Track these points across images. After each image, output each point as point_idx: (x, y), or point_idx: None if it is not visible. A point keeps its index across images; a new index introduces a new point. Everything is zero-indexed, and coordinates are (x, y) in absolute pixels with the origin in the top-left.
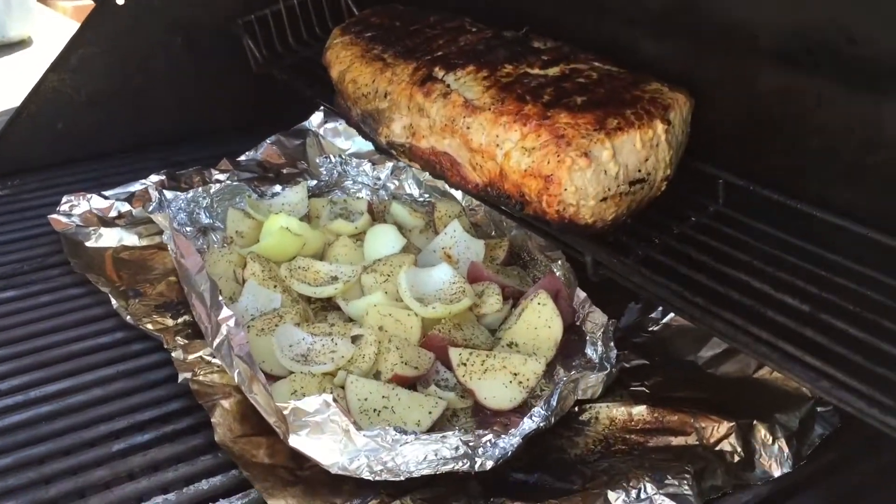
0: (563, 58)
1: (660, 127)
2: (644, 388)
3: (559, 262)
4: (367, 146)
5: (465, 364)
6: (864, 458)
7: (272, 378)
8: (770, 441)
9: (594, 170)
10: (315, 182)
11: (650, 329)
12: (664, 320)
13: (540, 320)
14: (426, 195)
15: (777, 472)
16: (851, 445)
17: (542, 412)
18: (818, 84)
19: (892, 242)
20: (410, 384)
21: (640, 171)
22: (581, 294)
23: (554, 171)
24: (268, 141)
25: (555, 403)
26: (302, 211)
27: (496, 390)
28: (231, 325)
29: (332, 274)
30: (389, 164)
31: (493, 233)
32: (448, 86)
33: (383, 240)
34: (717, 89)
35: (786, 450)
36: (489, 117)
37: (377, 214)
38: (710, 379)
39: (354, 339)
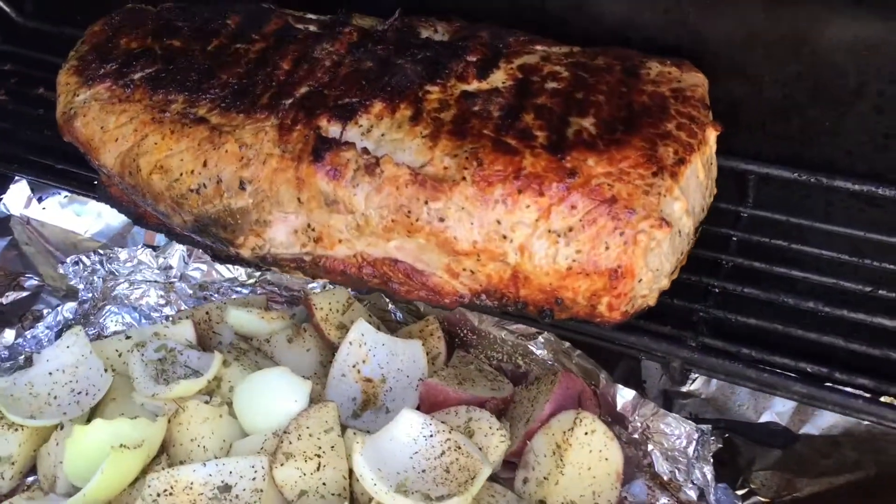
0: (493, 53)
1: (712, 136)
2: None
3: (544, 340)
4: (121, 219)
5: None
6: None
7: None
8: None
9: (672, 235)
10: (72, 305)
11: (686, 392)
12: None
13: (592, 456)
14: (268, 278)
15: None
16: None
17: None
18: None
19: None
20: None
21: (703, 209)
22: (626, 392)
23: (623, 260)
24: None
25: None
26: (97, 383)
27: None
28: None
29: (220, 480)
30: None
31: (396, 313)
32: (365, 150)
33: (273, 396)
34: (728, 55)
35: None
36: (470, 193)
37: (201, 335)
38: (828, 446)
39: None
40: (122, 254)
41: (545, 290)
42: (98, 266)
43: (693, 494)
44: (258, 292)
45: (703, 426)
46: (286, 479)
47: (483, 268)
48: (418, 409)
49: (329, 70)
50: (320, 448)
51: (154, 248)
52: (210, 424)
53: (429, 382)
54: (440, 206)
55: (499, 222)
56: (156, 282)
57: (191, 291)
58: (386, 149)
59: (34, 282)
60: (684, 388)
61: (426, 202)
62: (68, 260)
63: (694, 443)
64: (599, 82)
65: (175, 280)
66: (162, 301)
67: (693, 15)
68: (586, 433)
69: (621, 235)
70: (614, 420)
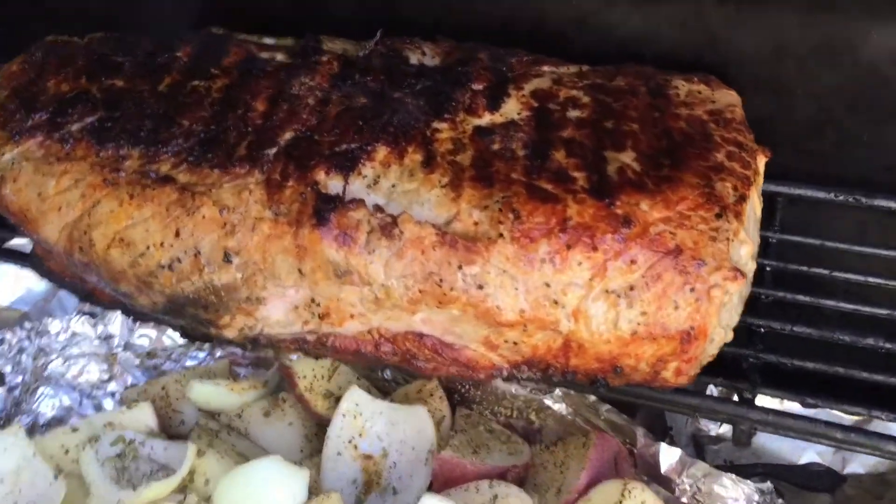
0: (499, 79)
1: (762, 163)
2: None
3: (562, 393)
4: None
5: None
6: None
7: None
8: None
9: (745, 286)
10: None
11: (717, 436)
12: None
13: None
14: (226, 345)
15: None
16: None
17: None
18: None
19: None
20: None
21: (758, 243)
22: (670, 451)
23: (696, 320)
24: None
25: None
26: (47, 493)
27: None
28: None
29: None
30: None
31: (384, 371)
32: (377, 207)
33: (265, 492)
34: (754, 69)
35: None
36: (511, 252)
37: (161, 417)
38: (878, 486)
39: None
40: (53, 325)
41: (603, 358)
42: (25, 342)
43: None
44: (218, 355)
45: (763, 485)
46: None
47: (529, 339)
48: (431, 487)
49: (315, 110)
50: None
51: (90, 314)
52: None
53: (443, 458)
54: (477, 270)
55: (548, 285)
56: (95, 354)
57: (138, 361)
58: (400, 203)
59: None
60: (713, 433)
61: (459, 267)
62: None
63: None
64: (627, 107)
65: (118, 350)
66: (105, 376)
67: (715, 27)
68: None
69: (692, 291)
70: (658, 483)
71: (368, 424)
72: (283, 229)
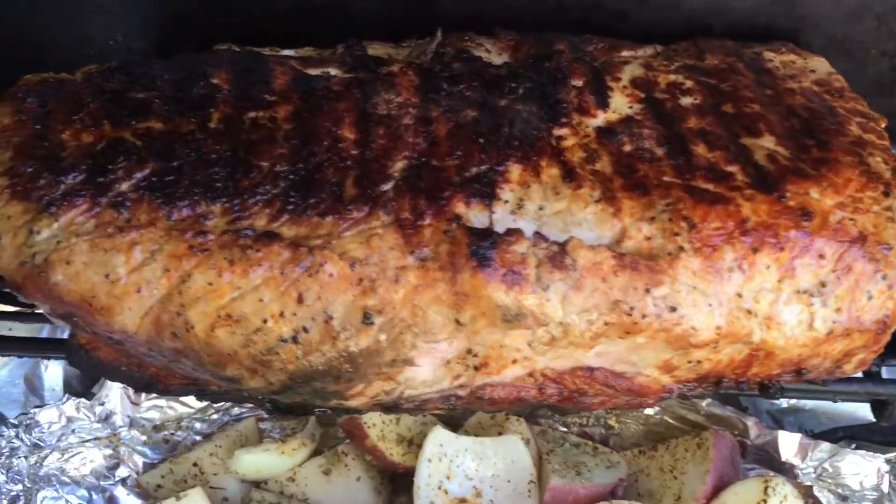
0: (592, 72)
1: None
2: None
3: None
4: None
5: None
6: None
7: None
8: None
9: None
10: None
11: (790, 407)
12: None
13: None
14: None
15: None
16: None
17: None
18: None
19: None
20: None
21: None
22: (790, 437)
23: (889, 307)
24: None
25: None
26: None
27: None
28: None
29: None
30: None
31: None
32: (539, 236)
33: None
34: (829, 30)
35: None
36: (697, 266)
37: None
38: None
39: None
40: (42, 414)
41: (790, 362)
42: (15, 441)
43: None
44: (235, 414)
45: (890, 455)
46: None
47: (716, 355)
48: None
49: (418, 130)
50: None
51: (83, 395)
52: None
53: (556, 486)
54: (666, 291)
55: (739, 295)
56: (96, 438)
57: (144, 438)
58: (555, 226)
59: None
60: (786, 404)
61: (647, 290)
62: None
63: (887, 475)
64: (737, 88)
65: (122, 429)
66: (112, 462)
67: None
68: (781, 502)
69: (884, 279)
70: (777, 471)
71: (455, 465)
72: (433, 276)
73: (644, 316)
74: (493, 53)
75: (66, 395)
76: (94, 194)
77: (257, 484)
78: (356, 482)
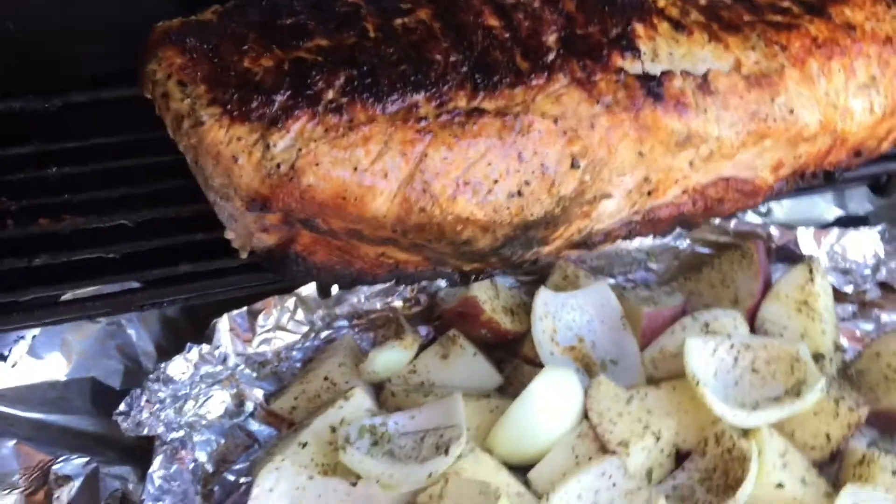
0: None
1: None
2: None
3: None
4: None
5: None
6: None
7: None
8: None
9: None
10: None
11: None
12: None
13: (830, 297)
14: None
15: None
16: None
17: None
18: None
19: None
20: None
21: None
22: (805, 229)
23: None
24: None
25: None
26: None
27: None
28: None
29: None
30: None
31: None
32: (684, 73)
33: (551, 403)
34: None
35: None
36: (796, 76)
37: None
38: None
39: None
40: (171, 367)
41: (856, 146)
42: (161, 393)
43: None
44: (325, 335)
45: (879, 227)
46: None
47: (812, 147)
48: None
49: (550, 10)
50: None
51: (200, 341)
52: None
53: (649, 313)
54: (784, 98)
55: (826, 94)
56: (219, 382)
57: (255, 374)
58: (685, 65)
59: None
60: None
61: (772, 100)
62: (122, 406)
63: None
64: None
65: (239, 368)
66: (238, 399)
67: None
68: (822, 278)
69: None
70: (797, 260)
71: (557, 319)
72: (620, 118)
73: (775, 120)
74: None
75: (190, 344)
76: (309, 104)
77: (380, 385)
78: (473, 357)
